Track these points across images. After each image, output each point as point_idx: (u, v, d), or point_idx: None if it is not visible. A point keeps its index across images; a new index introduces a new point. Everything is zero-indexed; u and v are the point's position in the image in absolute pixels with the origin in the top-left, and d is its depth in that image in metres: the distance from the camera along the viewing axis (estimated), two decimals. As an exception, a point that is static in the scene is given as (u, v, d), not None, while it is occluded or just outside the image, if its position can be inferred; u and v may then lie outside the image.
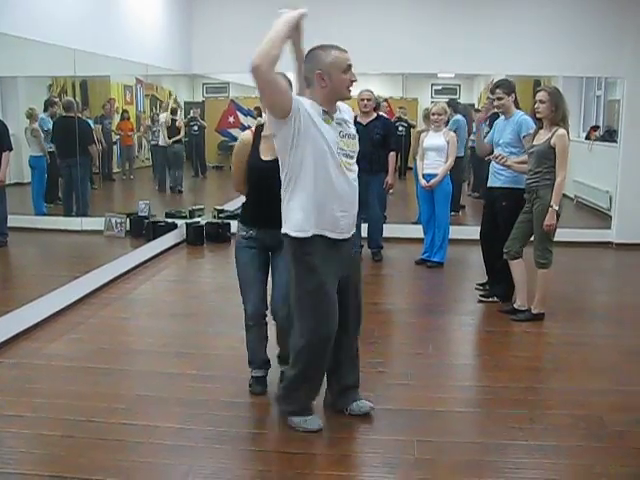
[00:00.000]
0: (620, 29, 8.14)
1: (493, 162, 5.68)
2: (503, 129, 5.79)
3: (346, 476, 3.17)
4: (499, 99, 5.73)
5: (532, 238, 5.36)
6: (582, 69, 8.51)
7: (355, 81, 3.34)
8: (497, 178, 5.76)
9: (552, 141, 5.06)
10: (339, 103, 3.42)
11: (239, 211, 4.10)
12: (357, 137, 3.46)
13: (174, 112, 10.14)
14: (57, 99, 7.42)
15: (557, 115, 5.10)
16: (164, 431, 3.53)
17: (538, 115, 5.18)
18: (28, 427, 3.56)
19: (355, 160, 3.42)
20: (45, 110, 7.32)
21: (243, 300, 3.87)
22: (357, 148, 3.44)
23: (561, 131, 5.06)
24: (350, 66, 3.31)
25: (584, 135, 10.41)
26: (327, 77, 3.25)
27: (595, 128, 10.34)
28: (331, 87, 3.27)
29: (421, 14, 8.50)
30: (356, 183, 3.40)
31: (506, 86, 5.73)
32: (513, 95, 5.74)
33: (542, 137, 5.18)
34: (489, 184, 5.92)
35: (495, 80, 5.97)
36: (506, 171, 5.61)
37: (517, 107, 5.84)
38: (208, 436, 3.48)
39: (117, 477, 3.10)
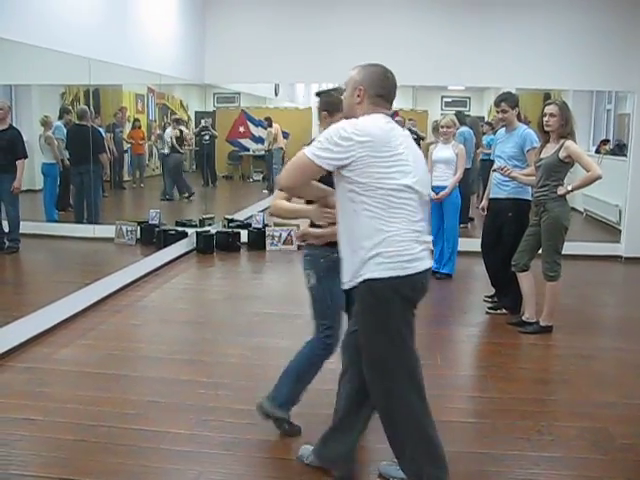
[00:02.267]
0: (630, 43, 8.17)
1: (497, 173, 5.72)
2: (505, 142, 5.82)
3: (354, 484, 3.19)
4: (503, 112, 5.76)
5: (540, 251, 5.39)
6: (592, 83, 8.53)
7: None
8: (501, 189, 5.79)
9: (561, 154, 5.09)
10: None
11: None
12: None
13: (178, 122, 10.18)
14: (70, 107, 7.50)
15: (566, 129, 5.13)
16: (174, 437, 3.57)
17: (547, 128, 5.20)
18: (40, 431, 3.61)
19: None
20: (60, 118, 7.40)
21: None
22: None
23: (568, 142, 5.09)
24: None
25: (594, 149, 10.43)
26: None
27: (605, 142, 10.35)
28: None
29: (432, 27, 8.55)
30: None
31: (510, 100, 5.77)
32: (517, 109, 5.78)
33: (550, 150, 5.21)
34: (492, 195, 5.95)
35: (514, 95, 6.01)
36: (511, 181, 5.64)
37: (520, 120, 5.88)
38: (218, 442, 3.51)
39: (127, 481, 3.14)
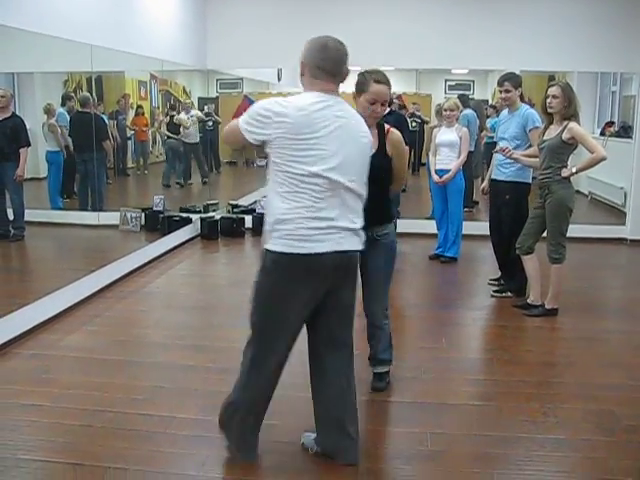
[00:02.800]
0: (636, 24, 8.12)
1: (498, 155, 5.71)
2: (508, 122, 5.81)
3: (359, 468, 3.19)
4: (506, 91, 5.74)
5: (545, 234, 5.38)
6: (597, 64, 8.48)
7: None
8: (501, 171, 5.79)
9: (564, 135, 5.06)
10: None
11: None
12: None
13: (173, 108, 10.15)
14: (73, 94, 7.48)
15: (569, 110, 5.10)
16: (181, 421, 3.58)
17: (550, 110, 5.18)
18: (47, 416, 3.63)
19: None
20: (63, 105, 7.39)
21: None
22: None
23: (572, 124, 5.06)
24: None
25: (599, 131, 10.38)
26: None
27: (610, 124, 10.30)
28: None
29: (435, 9, 8.50)
30: None
31: (514, 79, 5.75)
32: (520, 89, 5.75)
33: (553, 132, 5.19)
34: (493, 176, 5.96)
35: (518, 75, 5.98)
36: (510, 164, 5.63)
37: (522, 101, 5.85)
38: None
39: (135, 466, 3.15)
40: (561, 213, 5.20)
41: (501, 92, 5.80)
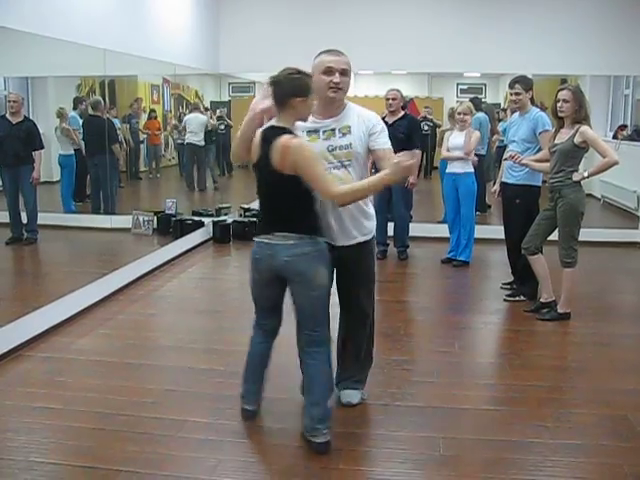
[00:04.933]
0: (648, 27, 8.08)
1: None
2: (518, 125, 5.80)
3: (371, 472, 3.20)
4: (517, 94, 5.72)
5: (553, 236, 5.36)
6: (610, 68, 8.43)
7: (335, 83, 3.33)
8: (511, 174, 5.80)
9: (576, 139, 5.04)
10: (359, 109, 3.52)
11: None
12: (352, 144, 3.43)
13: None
14: (84, 97, 7.53)
15: (580, 114, 5.07)
16: (192, 425, 3.59)
17: (561, 114, 5.16)
18: (59, 419, 3.64)
19: (350, 166, 3.45)
20: (74, 108, 7.44)
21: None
22: (353, 155, 3.44)
23: (583, 127, 5.04)
24: (330, 69, 3.35)
25: (611, 134, 10.32)
26: (313, 78, 3.33)
27: (623, 127, 10.24)
28: (315, 87, 3.31)
29: (446, 13, 8.49)
30: None
31: (525, 82, 5.74)
32: (530, 92, 5.73)
33: (564, 136, 5.16)
34: (503, 179, 5.98)
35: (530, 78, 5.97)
36: (521, 167, 5.62)
37: (533, 104, 5.82)
38: (236, 430, 3.53)
39: (146, 469, 3.16)
40: (572, 217, 5.18)
41: (512, 94, 5.79)
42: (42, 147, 6.20)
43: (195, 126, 9.76)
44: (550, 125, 5.54)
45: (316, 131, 3.42)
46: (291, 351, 3.71)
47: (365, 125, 3.47)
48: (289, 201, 3.26)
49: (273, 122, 3.28)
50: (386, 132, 3.54)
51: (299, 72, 3.21)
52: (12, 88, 6.38)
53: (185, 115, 10.04)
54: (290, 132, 3.20)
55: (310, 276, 3.25)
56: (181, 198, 9.35)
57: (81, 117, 7.45)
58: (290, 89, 3.17)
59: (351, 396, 3.83)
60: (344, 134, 3.43)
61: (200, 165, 10.27)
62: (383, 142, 3.49)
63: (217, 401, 3.87)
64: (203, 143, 9.83)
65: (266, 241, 3.31)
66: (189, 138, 9.77)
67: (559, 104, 5.13)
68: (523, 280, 5.90)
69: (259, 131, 3.31)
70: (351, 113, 3.48)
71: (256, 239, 3.40)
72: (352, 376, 3.86)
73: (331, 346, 3.52)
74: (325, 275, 3.31)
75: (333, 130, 3.43)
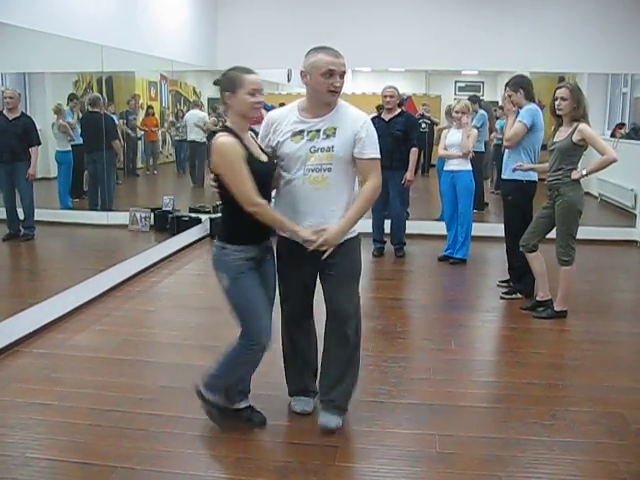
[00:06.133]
0: (647, 25, 8.07)
1: (505, 155, 5.83)
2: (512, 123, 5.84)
3: (367, 469, 3.20)
4: (509, 96, 5.80)
5: (552, 234, 5.37)
6: (608, 65, 8.43)
7: (336, 87, 3.23)
8: (505, 171, 5.86)
9: (575, 137, 5.04)
10: (350, 110, 3.38)
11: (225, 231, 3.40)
12: (333, 147, 3.29)
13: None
14: (77, 94, 7.51)
15: (578, 111, 5.07)
16: (188, 422, 3.59)
17: (559, 112, 5.16)
18: (55, 415, 3.64)
19: (330, 170, 3.30)
20: (67, 104, 7.42)
21: (257, 331, 3.34)
22: (334, 159, 3.29)
23: (582, 125, 5.04)
24: (332, 71, 3.20)
25: (609, 133, 10.33)
26: (308, 76, 3.26)
27: (621, 126, 10.24)
28: (311, 87, 3.27)
29: (444, 11, 8.47)
30: (321, 194, 3.31)
31: (512, 83, 5.82)
32: (521, 91, 5.73)
33: (563, 134, 5.17)
34: (502, 176, 6.02)
35: (523, 76, 6.01)
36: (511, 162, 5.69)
37: (532, 100, 5.81)
38: (231, 427, 3.52)
39: (142, 465, 3.16)
40: (570, 215, 5.18)
41: (506, 98, 5.89)
42: (39, 143, 6.18)
43: (197, 122, 9.79)
44: (528, 119, 5.53)
45: (301, 132, 3.31)
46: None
47: (352, 129, 3.29)
48: (222, 205, 3.32)
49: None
50: (374, 139, 3.34)
51: (235, 68, 3.21)
52: (9, 84, 6.36)
53: (182, 112, 10.03)
54: (229, 131, 3.16)
55: (217, 279, 3.36)
56: (178, 195, 9.33)
57: (73, 111, 7.42)
58: (222, 85, 3.21)
59: (328, 419, 3.51)
60: (328, 136, 3.29)
61: (201, 161, 10.28)
62: (369, 151, 3.31)
63: (213, 398, 3.86)
64: (204, 140, 9.86)
65: None
66: (189, 136, 9.81)
67: (557, 102, 5.13)
68: (519, 277, 5.91)
69: None
70: (341, 114, 3.33)
71: None
72: (332, 400, 3.55)
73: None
74: (223, 280, 3.31)
75: (318, 131, 3.29)
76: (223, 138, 3.11)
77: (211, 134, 3.27)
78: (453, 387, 4.11)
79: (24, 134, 6.01)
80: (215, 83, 3.27)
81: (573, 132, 5.06)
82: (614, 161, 5.00)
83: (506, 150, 5.82)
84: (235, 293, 3.31)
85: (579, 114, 5.07)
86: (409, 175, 7.29)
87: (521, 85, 5.75)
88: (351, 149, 3.30)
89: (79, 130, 7.30)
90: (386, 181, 5.87)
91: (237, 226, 3.28)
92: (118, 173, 8.45)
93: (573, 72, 8.79)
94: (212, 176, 3.24)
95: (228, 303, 3.35)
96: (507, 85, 5.83)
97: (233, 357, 3.41)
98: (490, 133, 9.66)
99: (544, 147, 5.73)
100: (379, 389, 4.03)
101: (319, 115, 3.32)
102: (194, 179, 10.25)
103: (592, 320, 5.42)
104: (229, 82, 3.18)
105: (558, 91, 5.13)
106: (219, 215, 3.25)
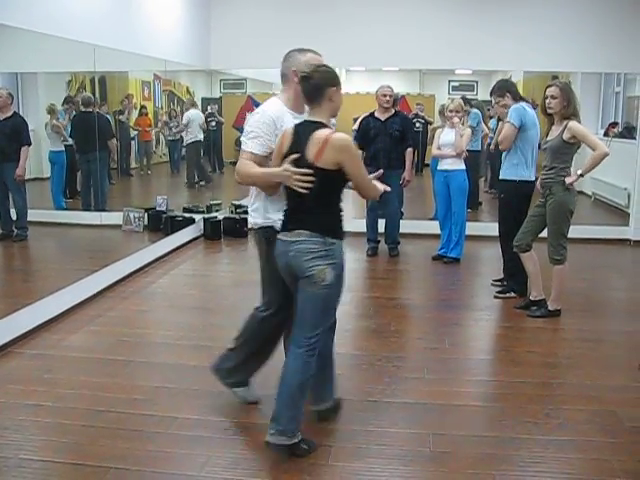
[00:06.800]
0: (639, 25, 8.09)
1: (503, 155, 5.80)
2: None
3: (361, 468, 3.19)
4: (497, 102, 5.87)
5: (545, 234, 5.38)
6: (601, 65, 8.44)
7: None
8: (502, 169, 5.86)
9: (565, 135, 5.05)
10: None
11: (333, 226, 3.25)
12: None
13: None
14: (71, 94, 7.49)
15: (569, 110, 5.08)
16: (182, 422, 3.58)
17: (549, 111, 5.17)
18: (49, 416, 3.63)
19: None
20: (62, 105, 7.41)
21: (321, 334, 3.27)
22: None
23: (571, 123, 5.04)
24: None
25: (602, 132, 10.36)
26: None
27: (614, 125, 10.28)
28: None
29: (438, 10, 8.47)
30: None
31: (497, 88, 5.89)
32: (508, 94, 5.76)
33: (554, 132, 5.18)
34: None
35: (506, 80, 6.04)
36: (509, 161, 5.70)
37: (523, 100, 5.81)
38: (225, 427, 3.53)
39: (136, 466, 3.15)
40: (561, 214, 5.19)
41: (495, 105, 5.95)
42: (29, 144, 6.15)
43: (199, 123, 9.84)
44: (516, 119, 5.50)
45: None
46: (282, 348, 3.70)
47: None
48: (311, 197, 3.12)
49: (306, 117, 3.29)
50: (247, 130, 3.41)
51: (325, 65, 3.23)
52: (1, 84, 6.34)
53: (176, 111, 10.02)
54: (327, 126, 3.17)
55: (315, 274, 3.11)
56: (172, 195, 9.32)
57: (66, 113, 7.40)
58: (323, 80, 3.15)
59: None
60: None
61: (205, 160, 10.35)
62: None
63: (207, 398, 3.86)
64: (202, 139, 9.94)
65: (284, 238, 3.22)
66: (197, 136, 9.87)
67: (547, 101, 5.14)
68: (510, 275, 5.92)
69: (292, 125, 3.26)
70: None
71: (278, 236, 3.28)
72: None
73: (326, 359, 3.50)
74: (328, 274, 3.11)
75: None
76: (342, 134, 3.14)
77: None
78: (447, 386, 4.11)
79: (14, 134, 5.99)
80: (307, 78, 3.14)
81: (563, 130, 5.07)
82: (606, 155, 5.01)
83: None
84: (336, 291, 3.25)
85: (569, 112, 5.08)
86: (408, 175, 7.30)
87: (507, 89, 5.80)
88: None
89: (69, 130, 7.29)
90: (384, 180, 5.86)
91: (341, 221, 3.28)
92: (112, 173, 8.44)
93: (566, 71, 8.80)
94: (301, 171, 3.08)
95: (319, 300, 3.16)
96: (492, 93, 5.89)
97: (297, 378, 3.22)
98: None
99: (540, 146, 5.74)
100: (373, 388, 4.02)
101: (301, 112, 3.45)
102: (204, 178, 10.26)
103: (586, 319, 5.43)
104: (334, 76, 3.20)
105: (548, 89, 5.14)
106: (309, 209, 3.10)
